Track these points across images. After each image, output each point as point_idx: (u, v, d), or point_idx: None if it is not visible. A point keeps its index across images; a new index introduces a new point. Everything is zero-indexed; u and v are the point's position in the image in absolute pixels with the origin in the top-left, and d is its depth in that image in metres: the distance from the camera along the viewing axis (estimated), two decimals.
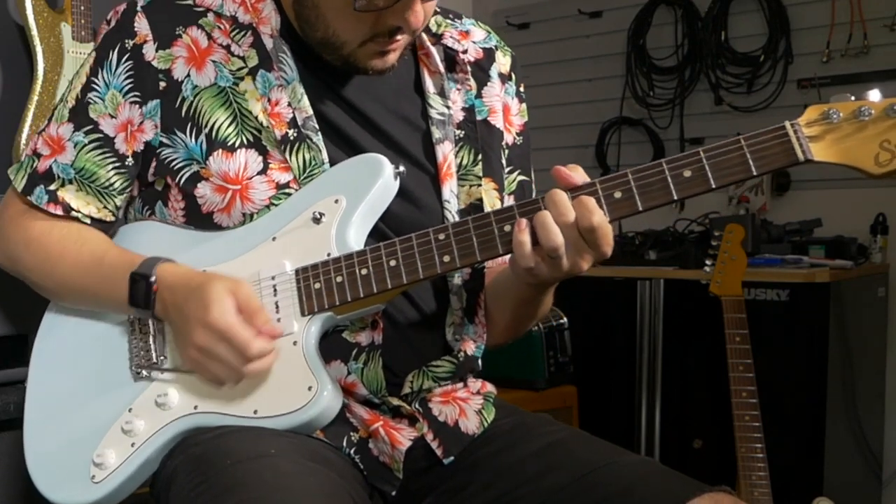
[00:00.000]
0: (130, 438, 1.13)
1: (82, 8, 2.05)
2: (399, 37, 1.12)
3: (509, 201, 1.28)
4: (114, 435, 1.14)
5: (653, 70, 3.51)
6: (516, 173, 1.31)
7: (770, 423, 2.26)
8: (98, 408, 1.16)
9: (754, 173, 0.99)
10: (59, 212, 1.19)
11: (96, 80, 1.18)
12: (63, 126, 1.19)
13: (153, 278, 1.11)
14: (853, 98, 0.99)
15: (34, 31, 1.98)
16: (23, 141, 1.97)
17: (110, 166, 1.18)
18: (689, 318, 2.80)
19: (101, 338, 1.21)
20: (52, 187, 1.19)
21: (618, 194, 1.02)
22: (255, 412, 1.08)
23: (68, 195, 1.19)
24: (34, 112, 1.98)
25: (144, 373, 1.15)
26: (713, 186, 1.00)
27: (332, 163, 1.16)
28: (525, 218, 1.03)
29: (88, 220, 1.20)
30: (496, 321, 1.27)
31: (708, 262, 2.36)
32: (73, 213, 1.19)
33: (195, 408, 1.11)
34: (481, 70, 1.29)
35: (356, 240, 1.11)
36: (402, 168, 1.14)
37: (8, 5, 2.05)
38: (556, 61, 3.73)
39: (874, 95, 0.99)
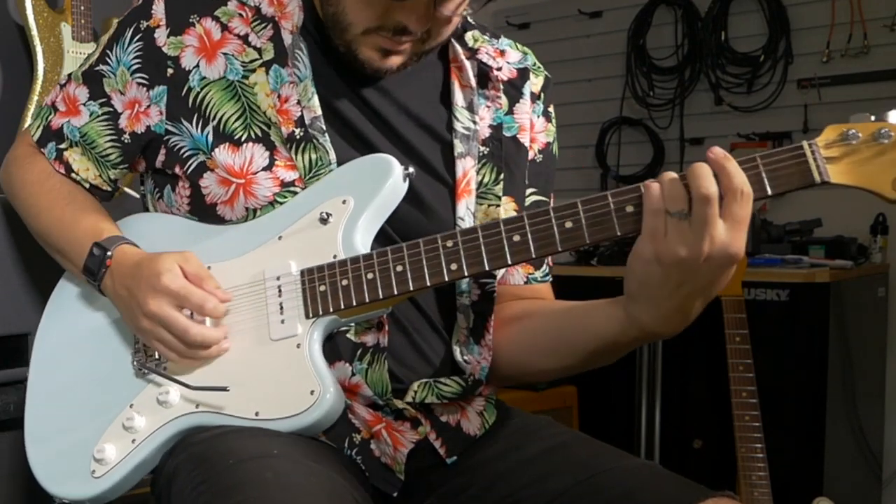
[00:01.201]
0: (131, 435, 1.12)
1: (82, 8, 2.05)
2: (404, 39, 1.11)
3: None
4: (114, 430, 1.14)
5: (653, 70, 3.52)
6: (532, 191, 1.28)
7: (770, 423, 2.26)
8: (99, 402, 1.16)
9: (769, 193, 0.97)
10: (62, 171, 1.25)
11: (110, 55, 1.22)
12: (79, 88, 1.24)
13: (110, 252, 1.15)
14: (873, 118, 0.98)
15: (34, 31, 1.98)
16: None
17: (108, 137, 1.22)
18: None
19: (103, 332, 1.21)
20: (62, 146, 1.25)
21: (629, 208, 0.99)
22: (257, 414, 1.08)
23: (73, 157, 1.25)
24: (34, 112, 1.98)
25: (146, 369, 1.15)
26: None
27: (342, 164, 1.14)
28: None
29: (87, 185, 1.26)
30: (546, 369, 1.21)
31: None
32: (73, 176, 1.25)
33: (196, 406, 1.11)
34: (514, 88, 1.27)
35: (363, 242, 1.10)
36: (411, 169, 1.12)
37: (8, 5, 2.05)
38: (556, 61, 3.72)
39: (893, 117, 0.97)
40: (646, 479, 1.08)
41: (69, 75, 1.26)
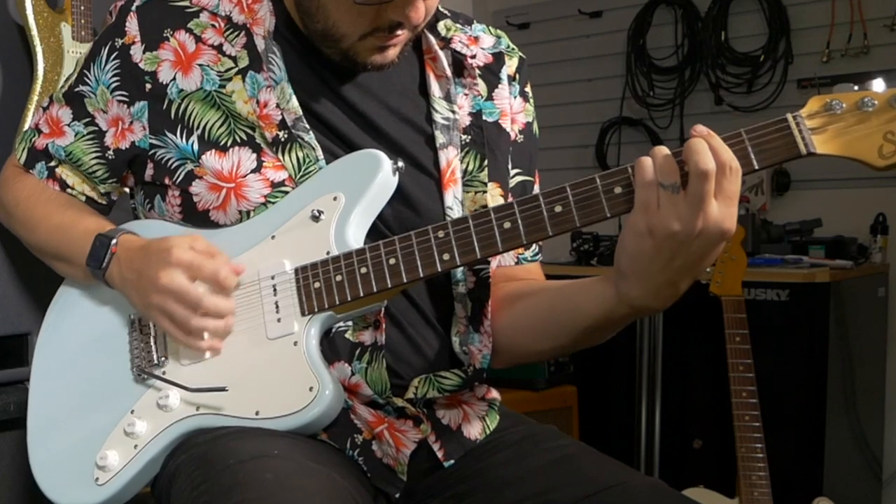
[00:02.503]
0: (133, 440, 1.12)
1: (82, 8, 2.05)
2: (399, 32, 1.11)
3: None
4: (116, 437, 1.14)
5: (653, 70, 3.52)
6: (516, 172, 1.29)
7: (770, 423, 2.26)
8: (100, 409, 1.16)
9: (756, 167, 0.97)
10: (57, 188, 1.26)
11: (88, 74, 1.22)
12: (62, 109, 1.24)
13: (114, 241, 1.15)
14: (857, 88, 0.97)
15: (34, 31, 1.98)
16: None
17: (93, 154, 1.23)
18: (689, 318, 2.80)
19: (103, 339, 1.21)
20: (52, 164, 1.25)
21: (618, 189, 1.01)
22: (257, 413, 1.08)
23: (65, 172, 1.25)
24: (34, 112, 1.98)
25: (145, 374, 1.15)
26: None
27: (329, 162, 1.15)
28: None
29: (83, 198, 1.26)
30: (537, 350, 1.20)
31: None
32: (69, 191, 1.26)
33: (197, 409, 1.11)
34: (491, 73, 1.27)
35: (355, 238, 1.11)
36: (400, 163, 1.13)
37: (8, 5, 2.05)
38: (556, 61, 3.73)
39: (878, 85, 0.96)
40: (652, 498, 1.08)
41: (51, 97, 1.27)
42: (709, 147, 0.94)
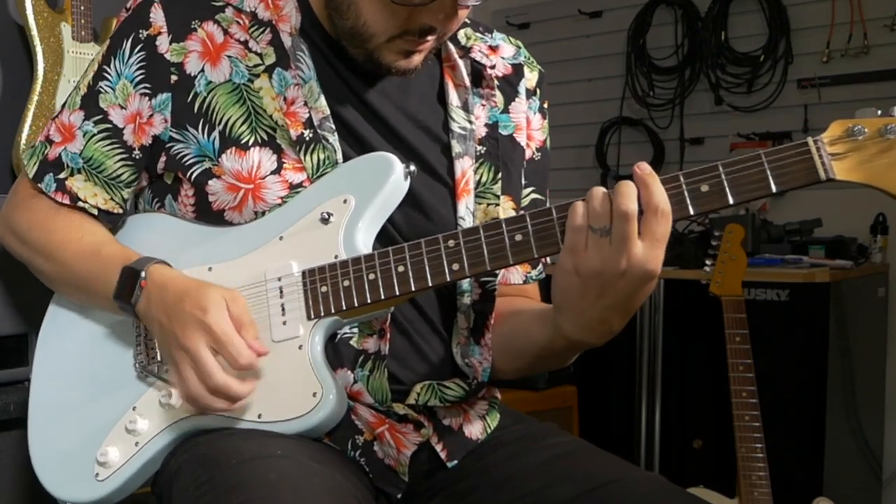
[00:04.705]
0: (134, 437, 1.12)
1: (82, 8, 2.06)
2: (429, 37, 1.10)
3: None
4: (117, 433, 1.13)
5: (653, 70, 3.52)
6: (530, 189, 1.28)
7: (770, 423, 2.26)
8: (102, 406, 1.16)
9: (773, 191, 0.96)
10: (67, 201, 1.19)
11: (108, 69, 1.18)
12: (74, 114, 1.19)
13: (143, 274, 1.10)
14: (879, 112, 0.97)
15: (34, 31, 1.99)
16: (23, 141, 1.97)
17: (117, 157, 1.18)
18: (689, 318, 2.80)
19: (106, 334, 1.20)
20: (62, 176, 1.18)
21: None
22: (259, 416, 1.07)
23: (76, 185, 1.18)
24: (34, 112, 1.99)
25: (148, 372, 1.14)
26: (731, 203, 0.97)
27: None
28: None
29: (95, 211, 1.20)
30: (501, 368, 1.22)
31: (708, 261, 2.36)
32: (80, 204, 1.19)
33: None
34: (510, 85, 1.27)
35: (364, 242, 1.09)
36: (412, 167, 1.11)
37: (8, 5, 2.05)
38: (556, 61, 3.73)
39: None
40: (651, 493, 1.08)
41: (63, 105, 1.22)
42: (642, 188, 0.96)
